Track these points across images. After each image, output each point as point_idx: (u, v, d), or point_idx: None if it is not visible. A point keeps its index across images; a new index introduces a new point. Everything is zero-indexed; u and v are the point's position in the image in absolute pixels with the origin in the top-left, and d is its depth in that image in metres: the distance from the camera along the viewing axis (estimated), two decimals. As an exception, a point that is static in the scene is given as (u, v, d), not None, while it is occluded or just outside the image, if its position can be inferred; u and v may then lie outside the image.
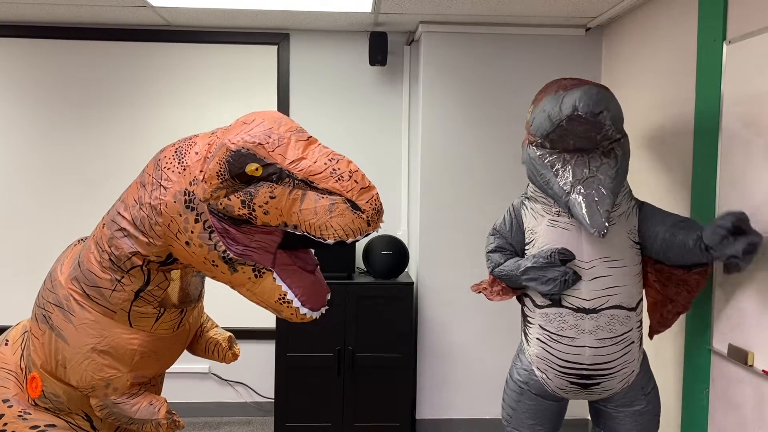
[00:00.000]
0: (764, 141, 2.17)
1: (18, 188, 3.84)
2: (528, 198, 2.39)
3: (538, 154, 2.25)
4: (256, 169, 1.49)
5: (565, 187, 2.15)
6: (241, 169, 1.49)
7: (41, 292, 1.78)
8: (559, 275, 2.17)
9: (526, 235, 2.35)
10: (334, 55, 3.89)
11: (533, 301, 2.33)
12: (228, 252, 1.54)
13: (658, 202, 2.88)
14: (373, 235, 1.61)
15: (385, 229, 3.92)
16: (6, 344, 1.95)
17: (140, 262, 1.65)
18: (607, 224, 2.08)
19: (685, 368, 2.62)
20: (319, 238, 1.49)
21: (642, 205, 2.31)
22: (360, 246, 3.69)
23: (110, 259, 1.66)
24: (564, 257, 2.18)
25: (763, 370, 2.15)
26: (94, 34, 3.79)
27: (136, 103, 3.85)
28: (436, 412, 3.75)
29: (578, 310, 2.20)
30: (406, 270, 3.72)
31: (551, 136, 2.16)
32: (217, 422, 3.86)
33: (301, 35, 3.87)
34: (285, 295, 1.57)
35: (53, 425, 1.80)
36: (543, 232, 2.29)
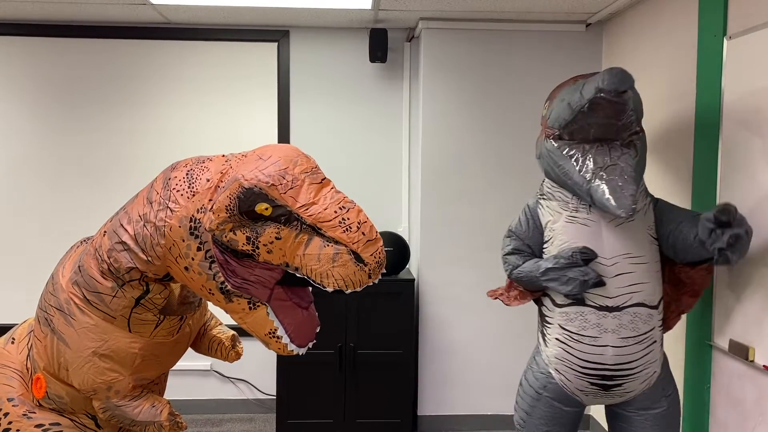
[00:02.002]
0: (765, 136, 2.17)
1: (19, 187, 3.84)
2: (543, 196, 2.34)
3: (555, 145, 2.21)
4: (266, 209, 1.48)
5: (586, 175, 2.11)
6: (251, 207, 1.48)
7: (44, 295, 1.78)
8: (580, 275, 2.11)
9: (544, 234, 2.30)
10: (334, 52, 3.88)
11: (553, 300, 2.26)
12: (226, 284, 1.55)
13: (658, 196, 2.88)
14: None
15: (385, 225, 3.93)
16: (12, 342, 1.95)
17: (138, 276, 1.65)
18: (634, 206, 2.02)
19: (686, 364, 2.62)
20: (318, 284, 1.50)
21: (657, 202, 2.27)
22: (361, 243, 3.69)
23: (109, 269, 1.65)
24: (586, 257, 2.12)
25: (763, 365, 2.15)
26: (94, 32, 3.79)
27: (136, 101, 3.85)
28: (437, 409, 3.76)
29: (601, 308, 2.14)
30: (407, 267, 3.72)
31: (571, 125, 2.14)
32: (219, 419, 3.87)
33: (301, 32, 3.87)
34: (276, 330, 1.59)
35: (58, 423, 1.81)
36: (561, 229, 2.23)
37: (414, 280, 3.61)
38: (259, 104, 3.89)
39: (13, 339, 1.96)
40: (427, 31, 3.62)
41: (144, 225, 1.61)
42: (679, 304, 2.31)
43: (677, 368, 2.70)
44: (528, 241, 2.34)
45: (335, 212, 1.49)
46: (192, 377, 3.92)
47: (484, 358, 3.73)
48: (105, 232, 1.71)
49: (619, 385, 2.17)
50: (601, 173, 2.09)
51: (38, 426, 1.79)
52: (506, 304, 2.43)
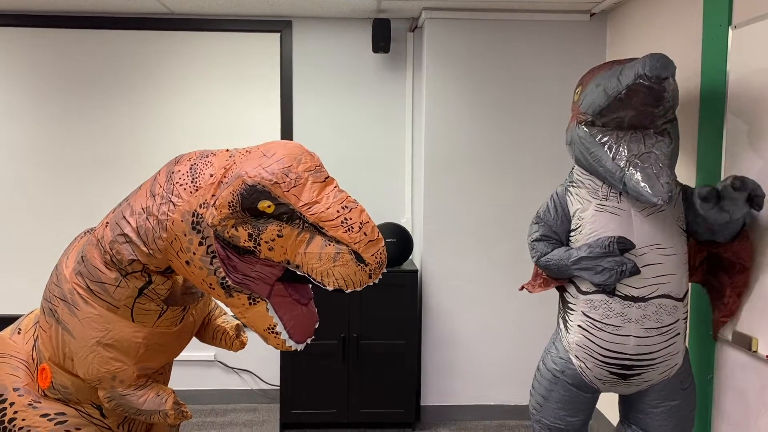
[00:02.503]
0: (770, 127, 2.16)
1: (22, 177, 3.84)
2: (573, 183, 2.32)
3: (588, 132, 2.18)
4: (269, 206, 1.49)
5: (619, 163, 2.08)
6: (254, 204, 1.49)
7: (48, 286, 1.78)
8: (615, 265, 2.08)
9: (572, 222, 2.28)
10: (337, 42, 3.87)
11: (577, 287, 2.24)
12: (227, 279, 1.55)
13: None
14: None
15: (388, 216, 3.93)
16: (18, 333, 1.96)
17: (140, 268, 1.65)
18: (669, 193, 1.99)
19: (690, 355, 2.62)
20: (319, 282, 1.51)
21: (686, 190, 2.25)
22: (364, 234, 3.69)
23: (112, 260, 1.66)
24: (623, 246, 2.09)
25: (767, 356, 2.15)
26: (96, 23, 3.78)
27: (138, 92, 3.84)
28: (440, 399, 3.77)
29: (626, 298, 2.12)
30: (410, 258, 3.73)
31: (606, 111, 2.11)
32: (223, 409, 3.89)
33: (303, 22, 3.85)
34: (275, 326, 1.60)
35: (63, 413, 1.82)
36: (590, 218, 2.21)
37: (417, 271, 3.61)
38: (262, 95, 3.88)
39: (20, 329, 1.97)
40: (431, 21, 3.60)
41: (147, 218, 1.61)
42: (735, 286, 2.24)
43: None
44: (555, 228, 2.32)
45: (338, 212, 1.49)
46: (196, 368, 3.93)
47: (487, 348, 3.74)
48: (107, 223, 1.71)
49: (639, 375, 2.16)
50: (635, 161, 2.06)
51: (44, 416, 1.80)
52: (530, 291, 2.42)
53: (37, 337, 1.88)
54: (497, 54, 3.62)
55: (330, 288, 1.51)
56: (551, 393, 2.31)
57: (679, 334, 2.17)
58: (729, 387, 2.37)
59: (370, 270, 1.49)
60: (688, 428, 2.26)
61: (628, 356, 2.14)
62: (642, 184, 2.02)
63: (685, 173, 2.69)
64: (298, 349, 1.65)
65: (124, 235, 1.63)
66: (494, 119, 3.66)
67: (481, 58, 3.62)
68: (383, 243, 1.53)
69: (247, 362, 3.95)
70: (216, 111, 3.88)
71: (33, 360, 1.88)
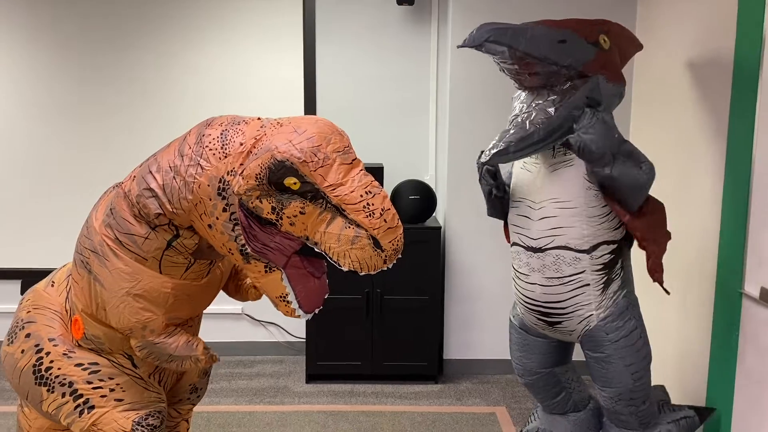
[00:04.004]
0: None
1: (54, 134, 3.90)
2: None
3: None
4: (294, 183, 1.52)
5: (509, 121, 2.17)
6: (280, 179, 1.52)
7: (79, 238, 1.83)
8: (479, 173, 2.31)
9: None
10: (361, -6, 3.80)
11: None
12: (247, 247, 1.59)
13: (690, 143, 2.81)
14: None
15: (412, 173, 3.91)
16: (52, 285, 2.02)
17: (166, 222, 1.68)
18: (487, 158, 2.08)
19: (715, 311, 2.61)
20: (335, 262, 1.56)
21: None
22: (387, 190, 3.70)
23: (140, 213, 1.69)
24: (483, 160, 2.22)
25: (794, 314, 2.13)
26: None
27: (160, 44, 3.84)
28: (462, 353, 3.82)
29: (528, 248, 2.25)
30: (433, 214, 3.72)
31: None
32: (250, 361, 4.00)
33: (326, -26, 3.78)
34: (286, 295, 1.65)
35: (96, 363, 1.88)
36: (514, 174, 2.35)
37: (440, 227, 3.61)
38: (286, 48, 3.85)
39: (53, 282, 2.03)
40: (456, -29, 3.50)
41: (174, 177, 1.63)
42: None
43: (705, 316, 2.69)
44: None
45: (361, 196, 1.52)
46: (224, 320, 4.03)
47: (509, 303, 3.75)
48: (134, 177, 1.74)
49: (559, 322, 2.26)
50: (513, 119, 2.14)
51: (78, 365, 1.87)
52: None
53: (69, 288, 1.93)
54: (525, 6, 3.51)
55: (345, 269, 1.56)
56: (511, 336, 2.53)
57: (587, 285, 2.20)
58: (754, 344, 2.35)
59: (385, 256, 1.54)
60: (624, 382, 2.22)
61: (539, 303, 2.26)
62: (490, 144, 2.10)
63: (716, 145, 2.62)
64: (306, 319, 1.72)
65: (150, 189, 1.66)
66: (521, 73, 3.58)
67: (509, 11, 3.51)
68: (402, 230, 1.56)
69: (273, 315, 4.04)
70: (239, 65, 3.86)
71: (66, 311, 1.95)
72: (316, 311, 1.74)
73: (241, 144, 1.58)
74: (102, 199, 1.86)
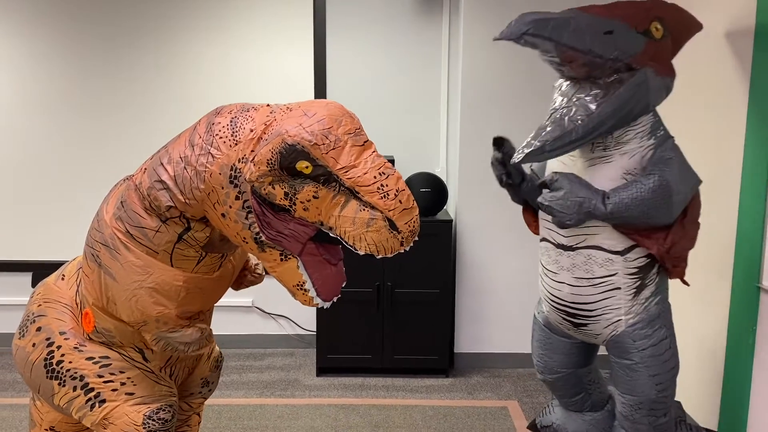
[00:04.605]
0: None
1: (65, 126, 3.90)
2: None
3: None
4: (307, 167, 1.49)
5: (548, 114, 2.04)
6: (292, 163, 1.49)
7: (90, 231, 1.82)
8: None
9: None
10: (371, -15, 3.76)
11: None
12: (261, 234, 1.57)
13: (708, 139, 2.76)
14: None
15: (423, 166, 3.88)
16: (62, 279, 2.02)
17: (177, 214, 1.67)
18: (520, 158, 1.98)
19: (732, 306, 2.57)
20: (351, 246, 1.53)
21: (656, 150, 2.04)
22: (398, 183, 3.67)
23: (150, 206, 1.68)
24: (499, 144, 2.19)
25: (814, 309, 2.09)
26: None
27: (169, 35, 3.82)
28: (473, 346, 3.80)
29: (558, 245, 2.14)
30: (444, 208, 3.70)
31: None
32: (261, 353, 4.00)
33: (336, -36, 3.75)
34: (304, 283, 1.62)
35: (107, 357, 1.88)
36: (548, 164, 2.26)
37: (452, 221, 3.59)
38: (296, 38, 3.82)
39: (63, 276, 2.03)
40: (468, -40, 3.46)
41: (185, 167, 1.62)
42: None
43: (722, 310, 2.65)
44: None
45: (374, 178, 1.49)
46: (234, 313, 4.03)
47: (520, 297, 3.73)
48: (145, 169, 1.72)
49: (585, 324, 2.16)
50: (552, 113, 2.01)
51: (89, 359, 1.87)
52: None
53: (80, 282, 1.93)
54: (537, -5, 3.46)
55: (361, 252, 1.53)
56: (534, 332, 2.42)
57: (618, 288, 2.08)
58: (772, 339, 2.32)
59: (402, 238, 1.51)
60: (647, 392, 2.12)
61: (566, 303, 2.15)
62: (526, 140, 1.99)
63: (733, 138, 2.57)
64: (325, 307, 1.69)
65: (162, 181, 1.65)
66: (534, 65, 3.52)
67: (522, 1, 3.47)
68: (417, 211, 1.53)
69: (283, 308, 4.03)
70: (249, 55, 3.84)
71: (77, 305, 1.94)
72: (335, 299, 1.70)
73: (252, 130, 1.56)
74: (112, 192, 1.85)
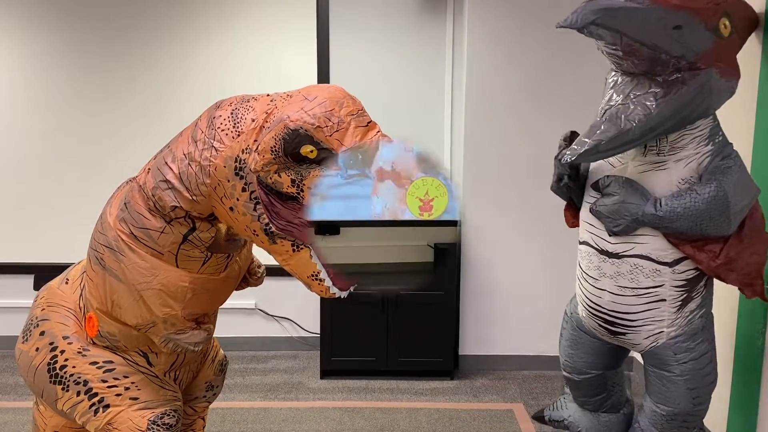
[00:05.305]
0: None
1: (69, 127, 3.88)
2: None
3: (610, 73, 1.98)
4: (311, 151, 1.48)
5: (599, 114, 1.90)
6: (297, 149, 1.47)
7: (93, 234, 1.80)
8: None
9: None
10: (374, -16, 3.74)
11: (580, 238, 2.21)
12: (270, 225, 1.55)
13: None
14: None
15: (427, 166, 3.86)
16: (66, 283, 2.00)
17: (183, 214, 1.65)
18: (572, 157, 1.81)
19: (740, 307, 2.54)
20: None
21: (714, 159, 1.92)
22: (402, 183, 3.65)
23: (155, 206, 1.66)
24: (568, 142, 2.06)
25: (826, 311, 2.07)
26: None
27: (172, 34, 3.81)
28: (478, 348, 3.78)
29: (601, 251, 2.03)
30: (449, 207, 3.68)
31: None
32: (264, 356, 3.98)
33: (339, -36, 3.73)
34: (319, 272, 1.60)
35: (111, 361, 1.86)
36: (594, 166, 2.10)
37: (456, 222, 3.56)
38: (298, 35, 3.80)
39: (67, 279, 2.01)
40: (472, -41, 3.43)
41: (189, 164, 1.60)
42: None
43: (730, 312, 2.63)
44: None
45: None
46: (237, 315, 4.01)
47: (525, 299, 3.71)
48: (149, 169, 1.70)
49: (623, 334, 2.07)
50: (606, 110, 1.86)
51: (93, 363, 1.85)
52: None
53: (84, 286, 1.91)
54: (542, -6, 3.44)
55: None
56: (564, 330, 2.35)
57: (663, 300, 1.99)
58: (782, 341, 2.29)
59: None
60: (683, 404, 2.04)
61: (606, 311, 2.05)
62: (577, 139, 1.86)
63: (743, 139, 2.55)
64: (342, 297, 1.66)
65: (167, 181, 1.63)
66: (540, 63, 3.51)
67: (526, -1, 3.45)
68: None
69: (287, 310, 4.01)
70: (251, 52, 3.82)
71: (80, 309, 1.92)
72: (351, 289, 1.67)
73: (253, 120, 1.55)
74: (116, 194, 1.83)
